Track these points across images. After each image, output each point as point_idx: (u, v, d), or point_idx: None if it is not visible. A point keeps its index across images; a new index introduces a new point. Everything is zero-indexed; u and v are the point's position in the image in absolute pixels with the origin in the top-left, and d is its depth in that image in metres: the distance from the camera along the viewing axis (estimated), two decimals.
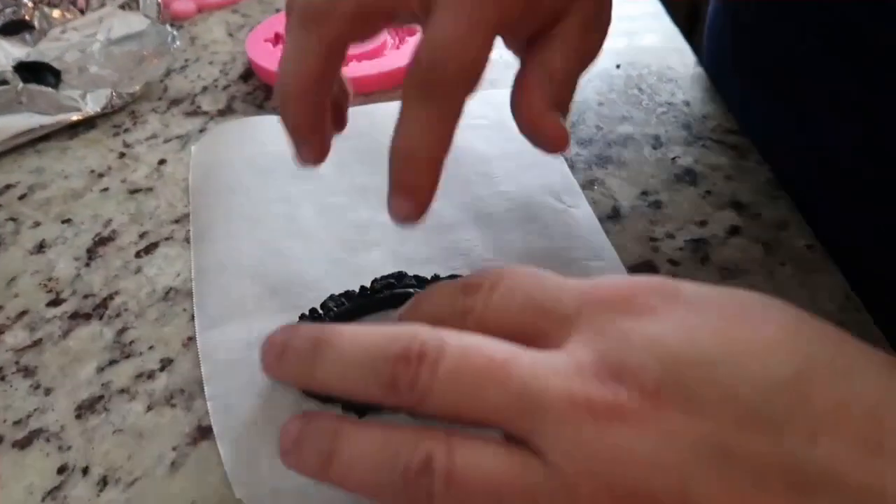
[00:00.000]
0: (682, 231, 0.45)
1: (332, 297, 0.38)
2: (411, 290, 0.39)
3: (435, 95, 0.28)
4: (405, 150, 0.29)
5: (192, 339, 0.42)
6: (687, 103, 0.53)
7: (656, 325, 0.23)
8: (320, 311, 0.40)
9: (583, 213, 0.46)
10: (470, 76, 0.28)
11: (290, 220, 0.44)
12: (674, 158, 0.50)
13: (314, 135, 0.33)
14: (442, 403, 0.23)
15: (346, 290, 0.39)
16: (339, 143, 0.36)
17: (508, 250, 0.42)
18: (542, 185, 0.47)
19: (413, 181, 0.29)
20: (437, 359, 0.23)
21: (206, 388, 0.37)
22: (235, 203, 0.49)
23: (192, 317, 0.43)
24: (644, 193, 0.46)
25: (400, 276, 0.41)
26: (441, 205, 0.45)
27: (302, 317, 0.40)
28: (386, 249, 0.44)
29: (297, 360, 0.26)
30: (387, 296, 0.39)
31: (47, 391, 0.40)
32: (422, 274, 0.40)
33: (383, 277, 0.39)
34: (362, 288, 0.39)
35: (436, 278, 0.41)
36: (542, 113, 0.32)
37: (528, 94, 0.31)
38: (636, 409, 0.21)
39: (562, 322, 0.24)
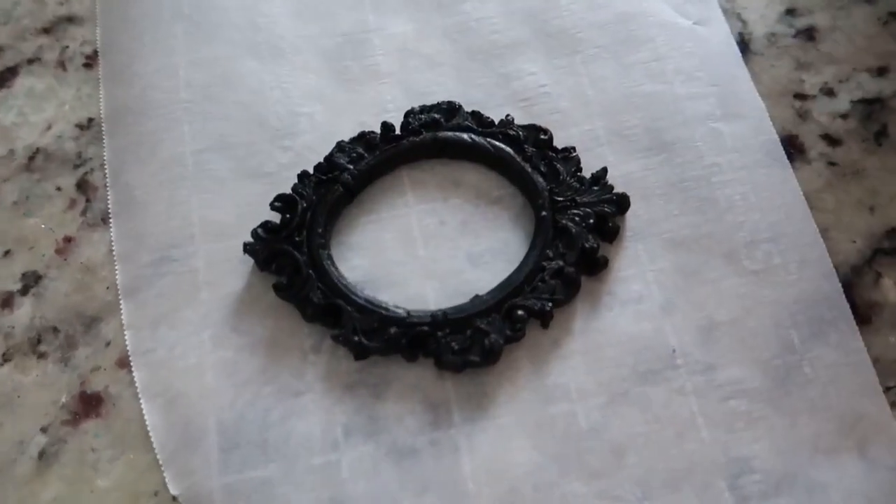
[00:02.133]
0: (848, 84, 0.29)
1: (341, 147, 0.27)
2: (466, 134, 0.27)
3: None
4: None
5: (71, 240, 0.26)
6: None
7: None
8: (327, 174, 0.26)
9: (717, 34, 0.29)
10: None
11: (253, 27, 0.30)
12: None
13: None
14: None
15: (357, 133, 0.27)
16: None
17: (595, 95, 0.29)
18: None
19: None
20: None
21: (123, 310, 0.25)
22: None
23: (72, 202, 0.27)
24: (790, 13, 0.29)
25: (451, 110, 0.27)
26: (489, 10, 0.29)
27: (302, 177, 0.26)
28: (402, 82, 0.28)
29: None
30: (428, 140, 0.27)
31: None
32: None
33: (424, 109, 0.27)
34: (386, 128, 0.27)
35: (507, 123, 0.27)
36: None
37: None
38: None
39: None
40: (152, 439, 0.23)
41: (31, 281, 0.26)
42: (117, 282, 0.26)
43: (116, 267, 0.26)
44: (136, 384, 0.24)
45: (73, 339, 0.25)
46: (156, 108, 0.28)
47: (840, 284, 0.25)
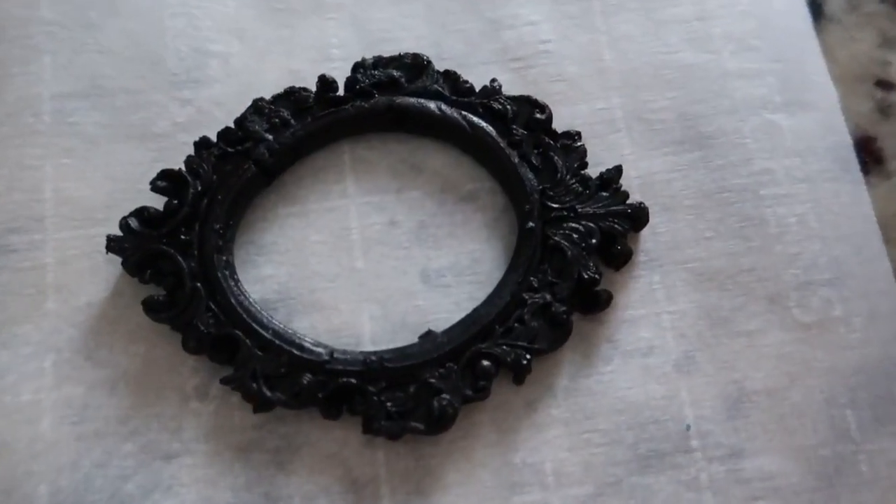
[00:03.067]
0: None
1: (259, 108, 0.20)
2: (434, 103, 0.20)
3: None
4: None
5: None
6: None
7: None
8: (236, 145, 0.19)
9: None
10: None
11: None
12: None
13: None
14: None
15: (283, 89, 0.20)
16: None
17: (615, 60, 0.22)
18: None
19: None
20: None
21: None
22: None
23: None
24: None
25: (416, 66, 0.20)
26: None
27: (200, 147, 0.19)
28: (354, 19, 0.22)
29: None
30: (381, 105, 0.20)
31: None
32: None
33: (379, 61, 0.20)
34: (324, 84, 0.20)
35: (492, 91, 0.20)
36: None
37: None
38: None
39: None
40: None
41: None
42: None
43: None
44: None
45: None
46: (4, 28, 0.20)
47: None
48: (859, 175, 0.20)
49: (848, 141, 0.21)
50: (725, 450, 0.18)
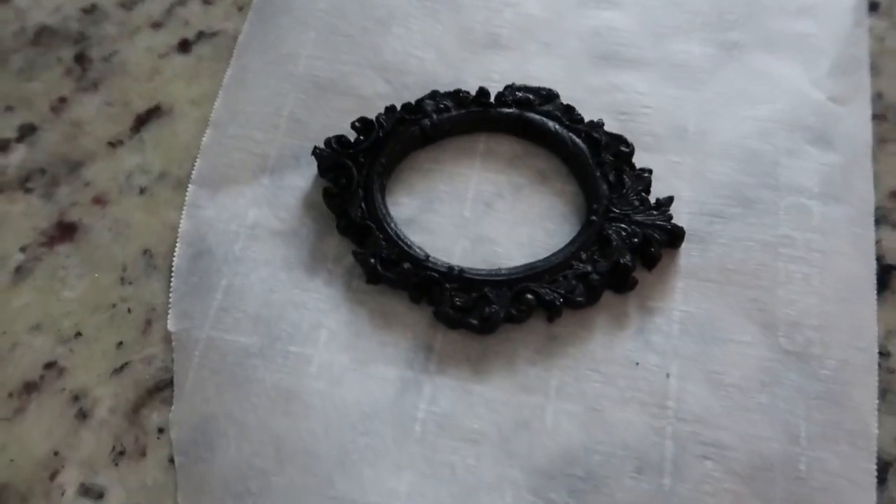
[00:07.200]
0: None
1: (433, 95, 0.28)
2: (552, 122, 0.27)
3: None
4: None
5: (64, 100, 0.30)
6: None
7: None
8: (411, 114, 0.28)
9: (856, 115, 0.28)
10: None
11: None
12: None
13: None
14: None
15: (454, 89, 0.28)
16: None
17: (695, 131, 0.28)
18: None
19: None
20: None
21: (196, 167, 0.28)
22: None
23: (68, 70, 0.30)
24: None
25: (548, 96, 0.28)
26: (625, 24, 0.30)
27: (389, 110, 0.28)
28: (516, 60, 0.30)
29: None
30: (514, 115, 0.28)
31: None
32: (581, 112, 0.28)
33: (523, 88, 0.28)
34: (481, 92, 0.28)
35: (595, 125, 0.27)
36: None
37: None
38: None
39: None
40: (172, 276, 0.25)
41: (27, 131, 0.29)
42: (202, 142, 0.28)
43: (207, 130, 0.28)
44: (179, 230, 0.26)
45: (57, 179, 0.28)
46: (294, 8, 0.31)
47: (876, 402, 0.23)
48: (873, 264, 0.25)
49: (872, 236, 0.25)
50: (694, 416, 0.23)
